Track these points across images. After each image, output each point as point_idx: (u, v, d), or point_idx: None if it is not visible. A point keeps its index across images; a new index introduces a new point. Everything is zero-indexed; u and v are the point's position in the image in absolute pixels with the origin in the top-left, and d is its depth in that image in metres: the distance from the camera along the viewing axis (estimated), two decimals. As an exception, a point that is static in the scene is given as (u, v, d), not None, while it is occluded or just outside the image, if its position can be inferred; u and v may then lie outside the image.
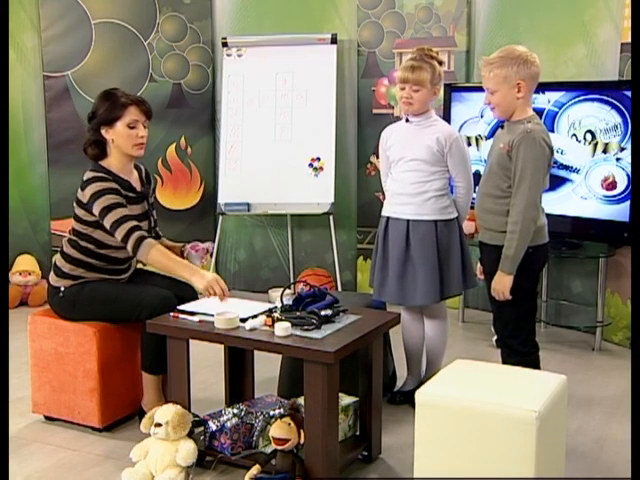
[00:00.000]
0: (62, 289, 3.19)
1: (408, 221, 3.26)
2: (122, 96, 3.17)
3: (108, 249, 3.16)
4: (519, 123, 2.81)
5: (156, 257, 3.06)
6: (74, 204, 3.17)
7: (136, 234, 3.04)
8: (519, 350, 2.91)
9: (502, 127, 2.94)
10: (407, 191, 3.27)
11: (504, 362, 2.93)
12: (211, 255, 3.22)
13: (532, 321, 2.96)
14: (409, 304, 3.35)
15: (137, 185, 3.27)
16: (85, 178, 3.13)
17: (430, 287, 3.24)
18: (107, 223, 3.06)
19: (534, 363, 2.89)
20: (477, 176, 3.41)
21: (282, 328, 2.67)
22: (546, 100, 4.24)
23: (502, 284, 2.83)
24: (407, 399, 3.41)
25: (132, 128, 3.16)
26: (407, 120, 3.31)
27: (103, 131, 3.16)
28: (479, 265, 3.12)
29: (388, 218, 3.33)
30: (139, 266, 3.41)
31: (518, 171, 2.76)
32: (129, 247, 3.05)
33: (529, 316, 2.95)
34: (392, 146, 3.34)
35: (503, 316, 2.95)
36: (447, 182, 3.29)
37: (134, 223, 3.07)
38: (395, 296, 3.31)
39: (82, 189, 3.12)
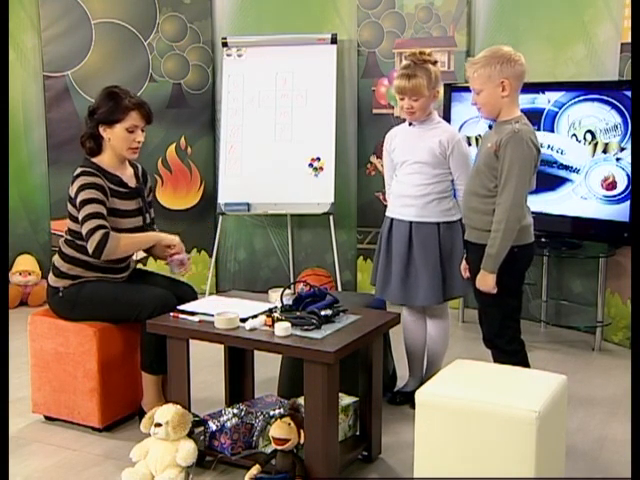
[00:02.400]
0: (61, 289, 3.19)
1: (411, 223, 3.27)
2: (125, 98, 3.17)
3: None
4: (507, 123, 2.82)
5: (127, 243, 3.12)
6: (67, 203, 3.18)
7: (101, 231, 3.03)
8: (505, 349, 2.91)
9: (491, 128, 2.96)
10: (410, 193, 3.27)
11: (495, 361, 2.93)
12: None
13: (517, 320, 2.97)
14: (412, 304, 3.36)
15: (130, 181, 3.27)
16: (74, 174, 3.15)
17: (432, 288, 3.25)
18: (80, 216, 3.07)
19: (522, 361, 2.89)
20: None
21: (282, 328, 2.67)
22: (546, 100, 4.23)
23: (485, 283, 2.83)
24: (407, 399, 3.41)
25: (130, 132, 3.17)
26: (410, 124, 3.31)
27: (101, 129, 3.17)
28: (464, 263, 3.13)
29: (392, 219, 3.35)
30: (139, 266, 3.41)
31: (505, 171, 2.76)
32: (91, 242, 3.03)
33: (515, 315, 2.95)
34: (396, 149, 3.35)
35: (489, 315, 2.95)
36: (450, 184, 3.29)
37: (102, 222, 3.05)
38: (398, 297, 3.32)
39: (71, 184, 3.14)
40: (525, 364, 2.89)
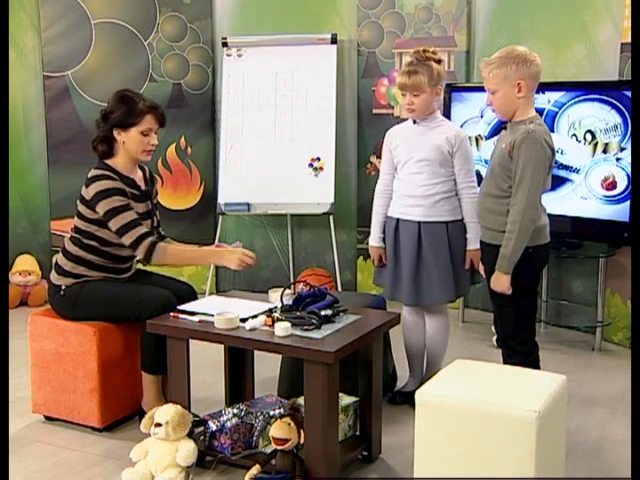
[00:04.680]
0: (63, 288, 3.19)
1: (419, 223, 3.26)
2: (140, 102, 3.18)
3: (112, 247, 3.16)
4: (521, 124, 2.80)
5: (175, 258, 3.19)
6: (77, 201, 3.17)
7: (147, 241, 3.08)
8: (519, 350, 2.91)
9: (505, 128, 2.94)
10: (416, 193, 3.26)
11: (505, 362, 2.93)
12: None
13: (532, 321, 2.96)
14: (426, 304, 3.35)
15: (141, 184, 3.28)
16: (90, 175, 3.14)
17: (446, 286, 3.26)
18: (114, 226, 3.08)
19: (534, 363, 2.89)
20: (477, 176, 3.41)
21: (282, 328, 2.67)
22: (546, 100, 4.24)
23: (500, 284, 2.83)
24: (407, 399, 3.41)
25: (145, 135, 3.18)
26: (414, 121, 3.31)
27: (115, 132, 3.17)
28: (480, 264, 3.13)
29: (398, 220, 3.33)
30: (139, 266, 3.41)
31: (519, 171, 2.76)
32: (139, 253, 3.10)
33: (529, 316, 2.94)
34: (398, 147, 3.33)
35: (503, 316, 2.95)
36: (456, 183, 3.27)
37: (144, 229, 3.10)
38: (410, 297, 3.31)
39: (86, 186, 3.12)
40: (536, 366, 2.87)
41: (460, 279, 3.30)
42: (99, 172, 3.13)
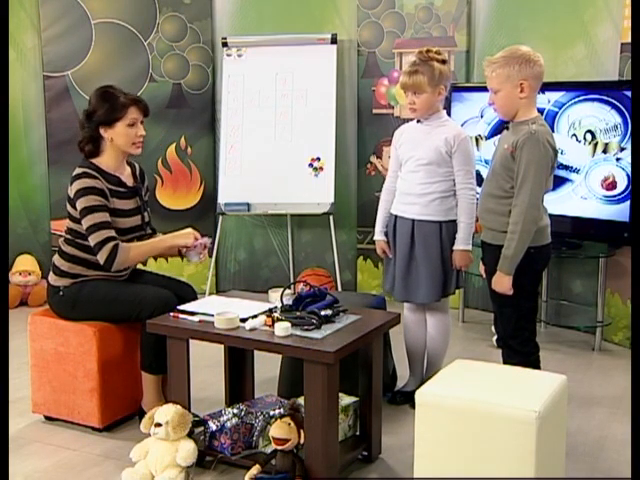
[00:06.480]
0: (62, 288, 3.19)
1: (413, 221, 3.28)
2: (120, 96, 3.19)
3: None
4: (524, 124, 2.80)
5: (137, 253, 3.15)
6: (67, 203, 3.18)
7: (110, 245, 3.06)
8: (519, 350, 2.91)
9: (507, 128, 2.94)
10: (414, 191, 3.28)
11: (505, 362, 2.93)
12: (210, 252, 3.27)
13: (533, 321, 2.96)
14: (412, 301, 3.38)
15: (129, 180, 3.28)
16: (73, 174, 3.15)
17: (432, 286, 3.27)
18: (85, 224, 3.08)
19: (535, 363, 2.89)
20: (477, 176, 3.41)
21: (282, 328, 2.67)
22: (546, 100, 4.23)
23: (501, 284, 2.83)
24: (407, 399, 3.41)
25: (131, 127, 3.18)
26: (419, 120, 3.31)
27: (102, 130, 3.17)
28: (481, 265, 3.13)
29: (396, 216, 3.36)
30: (139, 266, 3.41)
31: (521, 172, 2.76)
32: (101, 255, 3.06)
33: (530, 316, 2.94)
34: (403, 145, 3.35)
35: (504, 316, 2.95)
36: (453, 183, 3.28)
37: (111, 233, 3.08)
38: (400, 293, 3.35)
39: (70, 184, 3.14)
40: (537, 366, 2.87)
41: (449, 279, 3.31)
42: (81, 170, 3.14)
